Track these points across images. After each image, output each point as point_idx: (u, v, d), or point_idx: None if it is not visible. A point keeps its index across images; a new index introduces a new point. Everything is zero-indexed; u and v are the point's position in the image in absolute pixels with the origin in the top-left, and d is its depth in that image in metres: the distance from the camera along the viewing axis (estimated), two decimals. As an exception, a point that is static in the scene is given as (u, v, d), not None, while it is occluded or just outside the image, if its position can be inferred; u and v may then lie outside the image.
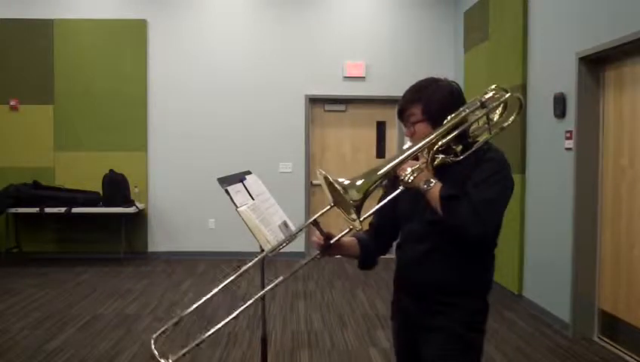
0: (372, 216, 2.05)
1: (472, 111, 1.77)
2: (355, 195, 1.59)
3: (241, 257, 7.02)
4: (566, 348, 4.19)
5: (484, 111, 1.78)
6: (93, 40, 7.38)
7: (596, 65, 4.30)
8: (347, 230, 1.79)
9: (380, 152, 7.67)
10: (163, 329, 1.82)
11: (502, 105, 1.81)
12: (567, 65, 4.48)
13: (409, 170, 1.72)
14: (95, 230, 7.35)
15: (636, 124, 3.91)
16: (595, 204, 4.33)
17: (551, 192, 4.78)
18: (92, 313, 4.97)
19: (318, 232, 1.80)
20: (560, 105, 4.55)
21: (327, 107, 7.66)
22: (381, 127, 7.68)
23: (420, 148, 1.72)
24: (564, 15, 4.61)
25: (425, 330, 1.84)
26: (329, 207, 1.73)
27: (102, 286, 5.89)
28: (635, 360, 3.86)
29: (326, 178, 1.63)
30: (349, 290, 5.90)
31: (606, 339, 4.24)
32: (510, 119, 1.87)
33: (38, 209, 6.84)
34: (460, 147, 1.77)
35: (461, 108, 1.77)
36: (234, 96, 7.47)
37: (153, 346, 1.75)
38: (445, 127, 1.73)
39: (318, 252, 1.86)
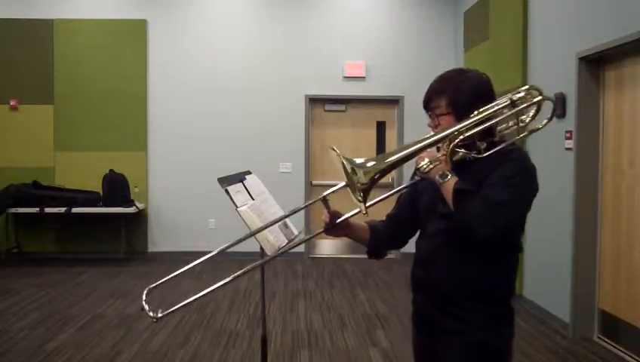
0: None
1: (501, 109, 1.68)
2: (362, 178, 1.54)
3: (241, 257, 7.01)
4: (566, 348, 4.19)
5: (514, 110, 1.68)
6: (93, 40, 7.38)
7: (596, 65, 4.30)
8: (355, 211, 1.73)
9: (381, 152, 7.66)
10: (159, 282, 1.88)
11: (534, 107, 1.71)
12: (567, 65, 4.48)
13: (427, 159, 1.66)
14: (95, 230, 7.34)
15: (636, 124, 3.91)
16: (595, 204, 4.33)
17: (551, 192, 4.77)
18: (92, 313, 4.97)
19: (326, 211, 1.78)
20: (560, 105, 4.54)
21: (327, 107, 7.66)
22: (381, 127, 7.68)
23: (440, 138, 1.65)
24: (564, 15, 4.61)
25: (443, 334, 1.75)
26: (342, 184, 1.66)
27: (102, 286, 5.89)
28: (635, 360, 3.86)
29: (338, 156, 1.58)
30: (349, 290, 5.89)
31: (606, 339, 4.24)
32: (542, 123, 1.77)
33: (38, 209, 6.84)
34: (485, 145, 1.69)
35: (490, 105, 1.68)
36: (234, 96, 7.47)
37: (144, 300, 1.79)
38: (470, 121, 1.65)
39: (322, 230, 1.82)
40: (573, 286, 4.39)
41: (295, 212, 1.95)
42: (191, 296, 1.80)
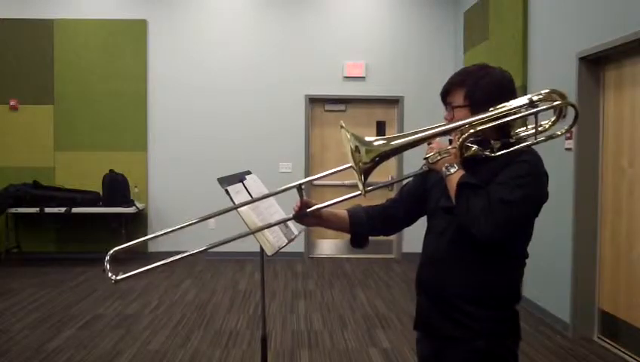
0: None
1: (519, 108, 1.62)
2: (364, 157, 1.50)
3: (241, 257, 7.03)
4: (566, 348, 4.19)
5: (532, 111, 1.62)
6: (93, 40, 7.38)
7: (596, 65, 4.30)
8: (325, 203, 1.73)
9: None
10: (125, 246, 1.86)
11: (555, 112, 1.65)
12: (567, 65, 4.48)
13: (436, 150, 1.64)
14: (95, 230, 7.34)
15: (636, 124, 3.91)
16: (595, 204, 4.33)
17: (551, 192, 4.76)
18: (92, 313, 4.97)
19: (300, 198, 1.78)
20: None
21: (327, 107, 7.66)
22: (381, 126, 7.68)
23: (451, 128, 1.62)
24: (564, 15, 4.61)
25: (444, 340, 1.71)
26: (347, 166, 1.63)
27: (102, 286, 5.89)
28: (635, 360, 3.86)
29: (345, 131, 1.53)
30: (349, 290, 5.89)
31: (606, 339, 4.24)
32: (562, 129, 1.71)
33: (38, 209, 6.84)
34: (499, 144, 1.65)
35: (508, 102, 1.63)
36: (234, 95, 7.47)
37: (107, 260, 1.76)
38: (484, 115, 1.61)
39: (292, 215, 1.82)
40: (573, 286, 4.39)
41: (267, 196, 1.98)
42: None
